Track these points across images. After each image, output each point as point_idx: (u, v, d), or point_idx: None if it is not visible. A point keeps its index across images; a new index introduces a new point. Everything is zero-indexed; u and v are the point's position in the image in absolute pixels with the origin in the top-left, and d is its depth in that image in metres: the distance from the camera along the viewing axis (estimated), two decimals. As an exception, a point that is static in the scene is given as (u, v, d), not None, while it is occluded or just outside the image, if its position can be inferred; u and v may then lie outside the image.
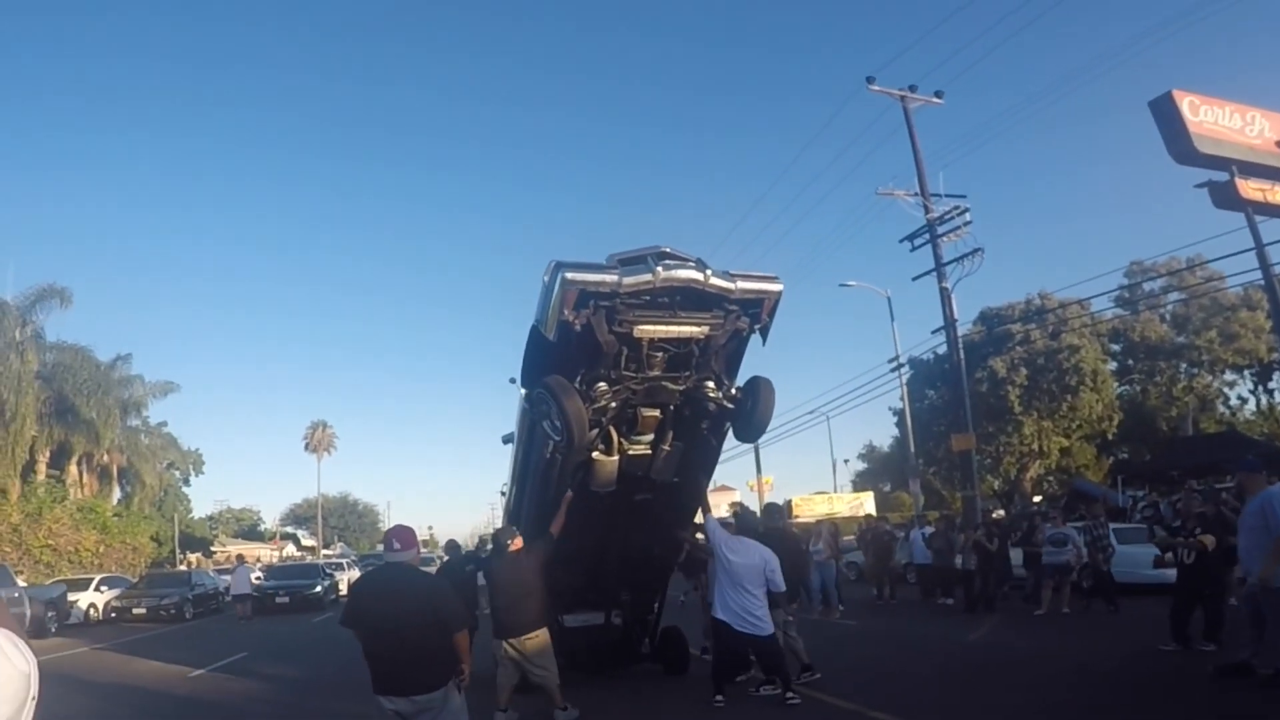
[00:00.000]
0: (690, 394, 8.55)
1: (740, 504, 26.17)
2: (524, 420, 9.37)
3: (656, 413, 8.64)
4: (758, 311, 8.37)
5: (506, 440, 11.06)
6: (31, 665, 1.14)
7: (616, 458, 8.82)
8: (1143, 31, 62.15)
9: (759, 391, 8.68)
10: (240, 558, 28.87)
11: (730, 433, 9.37)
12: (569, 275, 7.50)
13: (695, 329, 8.11)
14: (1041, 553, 15.85)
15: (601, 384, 8.08)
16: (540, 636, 8.33)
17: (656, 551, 10.40)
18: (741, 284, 8.09)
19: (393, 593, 5.11)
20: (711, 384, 8.59)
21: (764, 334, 8.60)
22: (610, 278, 7.59)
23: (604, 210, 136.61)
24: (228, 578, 33.87)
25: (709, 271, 7.87)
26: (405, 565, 5.23)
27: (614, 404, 8.26)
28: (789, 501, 48.15)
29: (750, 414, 8.73)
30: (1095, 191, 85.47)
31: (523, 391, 8.96)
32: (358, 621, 5.21)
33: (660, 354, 8.21)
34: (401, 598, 5.05)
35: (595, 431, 8.35)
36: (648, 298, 7.81)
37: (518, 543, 8.62)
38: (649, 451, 9.00)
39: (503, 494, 12.34)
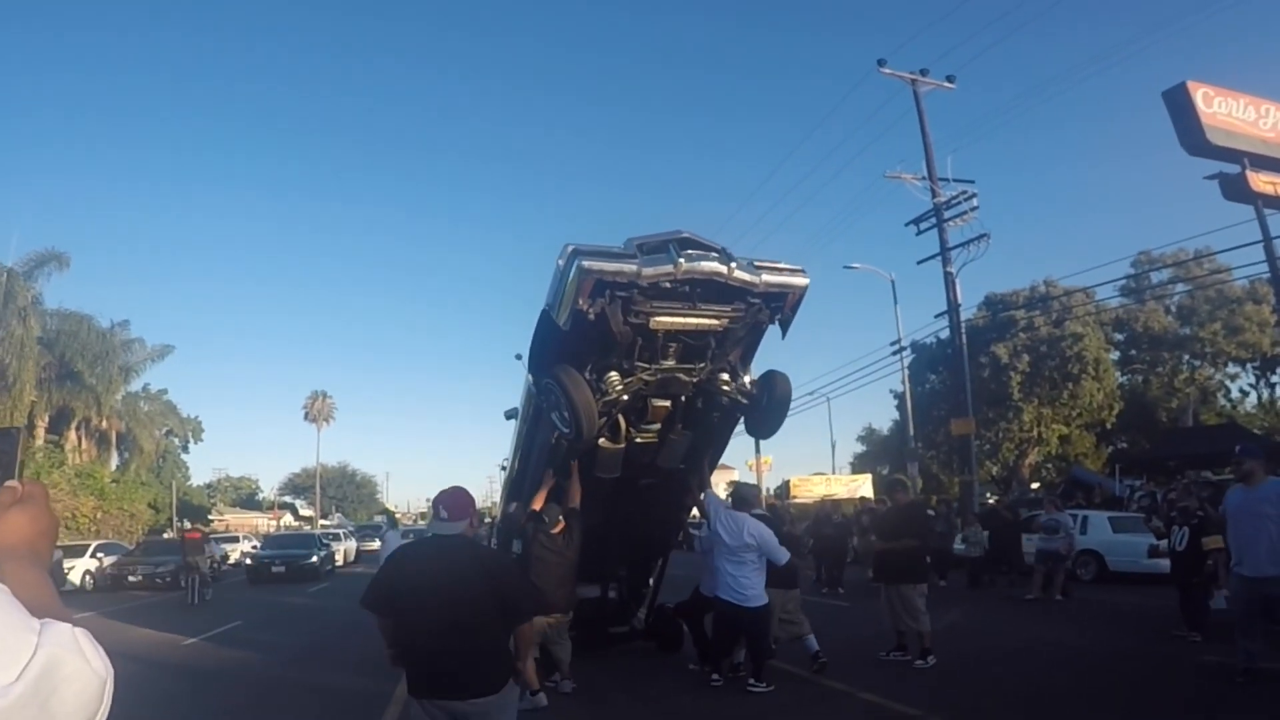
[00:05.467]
0: (703, 385, 8.32)
1: (737, 483, 26.10)
2: (529, 401, 9.19)
3: (667, 403, 8.43)
4: (780, 305, 8.09)
5: (509, 415, 10.91)
6: (109, 671, 0.99)
7: (623, 445, 8.64)
8: (1158, 22, 61.67)
9: (775, 386, 8.43)
10: (391, 518, 24.00)
11: (741, 423, 9.16)
12: (586, 264, 7.14)
13: (714, 321, 7.85)
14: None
15: (613, 374, 7.83)
16: (565, 616, 8.70)
17: (658, 532, 10.38)
18: (766, 277, 7.78)
19: (446, 571, 4.15)
20: (726, 375, 8.37)
21: (784, 327, 8.31)
22: (629, 267, 7.25)
23: (610, 188, 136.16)
24: (225, 546, 34.06)
25: (733, 264, 7.55)
26: (459, 538, 4.32)
27: (625, 396, 8.00)
28: (787, 482, 48.20)
29: (766, 410, 8.50)
30: (1104, 181, 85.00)
31: (530, 377, 8.77)
32: (389, 605, 4.27)
33: (675, 344, 7.95)
34: (459, 578, 4.12)
35: (603, 420, 8.08)
36: (667, 287, 7.49)
37: (561, 525, 8.56)
38: (656, 440, 8.84)
39: (503, 468, 12.22)
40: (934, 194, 24.89)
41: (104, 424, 44.45)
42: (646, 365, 7.95)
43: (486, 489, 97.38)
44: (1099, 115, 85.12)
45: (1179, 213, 68.07)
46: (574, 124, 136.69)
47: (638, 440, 8.72)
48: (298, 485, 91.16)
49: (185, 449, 62.32)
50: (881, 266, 33.55)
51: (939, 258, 24.89)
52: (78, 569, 25.03)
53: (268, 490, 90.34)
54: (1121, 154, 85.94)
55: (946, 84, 25.98)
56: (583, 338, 7.66)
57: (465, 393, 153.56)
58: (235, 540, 39.99)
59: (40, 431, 39.55)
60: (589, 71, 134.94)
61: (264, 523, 68.73)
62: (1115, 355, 44.60)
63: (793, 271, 8.11)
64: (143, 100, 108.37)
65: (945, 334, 27.25)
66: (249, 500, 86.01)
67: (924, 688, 8.49)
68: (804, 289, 8.12)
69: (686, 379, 8.18)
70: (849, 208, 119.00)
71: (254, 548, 33.91)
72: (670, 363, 8.03)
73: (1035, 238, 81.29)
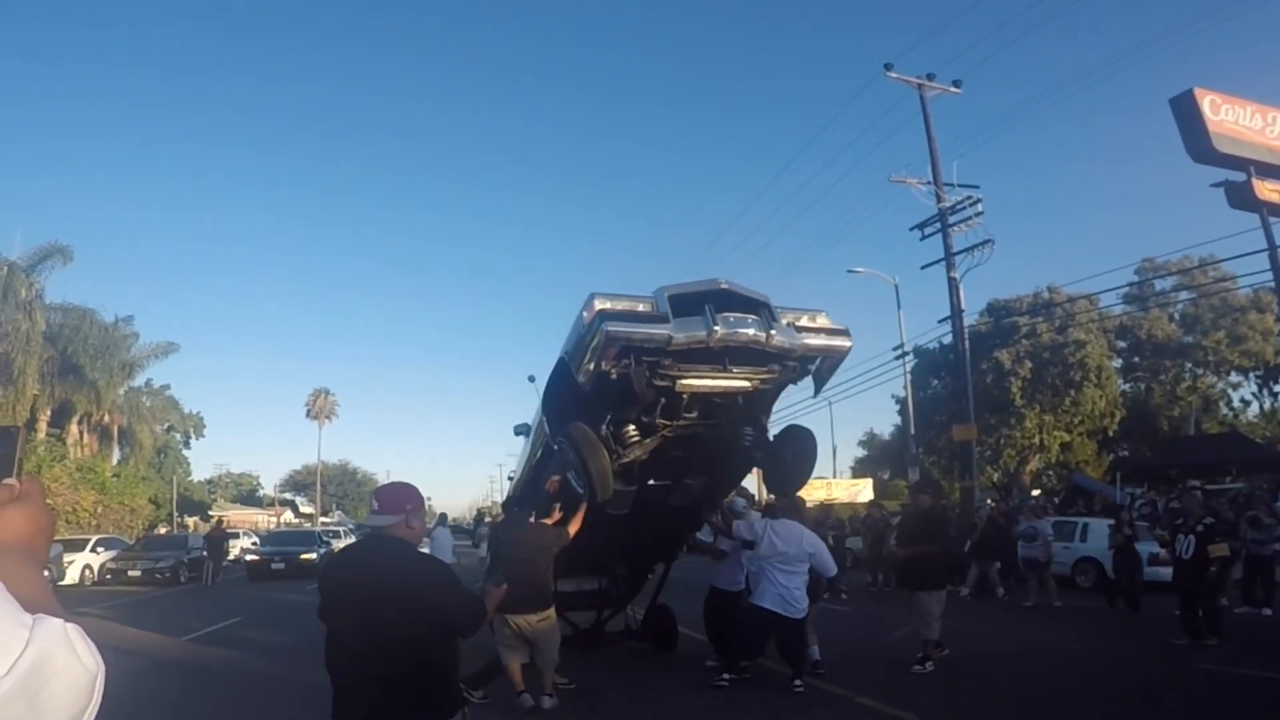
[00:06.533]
0: (723, 437, 8.09)
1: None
2: (540, 437, 8.91)
3: (683, 453, 8.18)
4: (818, 366, 7.77)
5: (519, 431, 10.68)
6: (100, 667, 0.98)
7: (635, 487, 8.33)
8: (1164, 29, 61.63)
9: (800, 443, 8.08)
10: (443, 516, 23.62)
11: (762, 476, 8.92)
12: (612, 329, 6.69)
13: (745, 384, 7.51)
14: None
15: (631, 427, 7.58)
16: (551, 617, 8.01)
17: (663, 544, 10.38)
18: (807, 340, 7.40)
19: (364, 583, 3.46)
20: (750, 430, 8.13)
21: (819, 386, 7.97)
22: (660, 333, 6.81)
23: (615, 186, 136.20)
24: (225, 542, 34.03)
25: (772, 331, 7.07)
26: (387, 540, 3.54)
27: (642, 452, 7.73)
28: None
29: (789, 467, 8.12)
30: (1109, 187, 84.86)
31: (543, 418, 8.52)
32: (327, 615, 3.63)
33: (700, 400, 7.62)
34: (375, 590, 3.39)
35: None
36: (699, 350, 7.04)
37: (557, 515, 8.28)
38: (670, 482, 8.64)
39: (510, 479, 12.02)
40: (939, 199, 24.86)
41: (106, 419, 44.51)
42: (668, 421, 7.65)
43: (487, 489, 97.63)
44: (1104, 121, 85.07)
45: (1184, 220, 68.01)
46: (579, 122, 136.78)
47: (651, 482, 8.47)
48: (299, 482, 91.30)
49: (187, 444, 62.47)
50: (885, 271, 33.49)
51: (943, 263, 24.85)
52: (77, 563, 25.00)
53: (269, 487, 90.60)
54: (1127, 160, 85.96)
55: (953, 89, 25.95)
56: (602, 394, 7.33)
57: (468, 392, 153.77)
58: (235, 536, 40.00)
59: (42, 425, 39.59)
60: (594, 69, 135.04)
61: (264, 519, 68.79)
62: (1118, 363, 44.61)
63: (834, 333, 7.71)
64: (150, 95, 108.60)
65: (948, 339, 27.18)
66: (250, 497, 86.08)
67: (922, 692, 8.47)
68: (845, 352, 7.79)
69: (708, 433, 7.93)
70: (853, 211, 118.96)
71: (254, 544, 33.91)
72: (693, 416, 7.72)
73: (1039, 244, 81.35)
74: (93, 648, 1.00)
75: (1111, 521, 19.51)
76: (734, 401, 7.75)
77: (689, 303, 7.01)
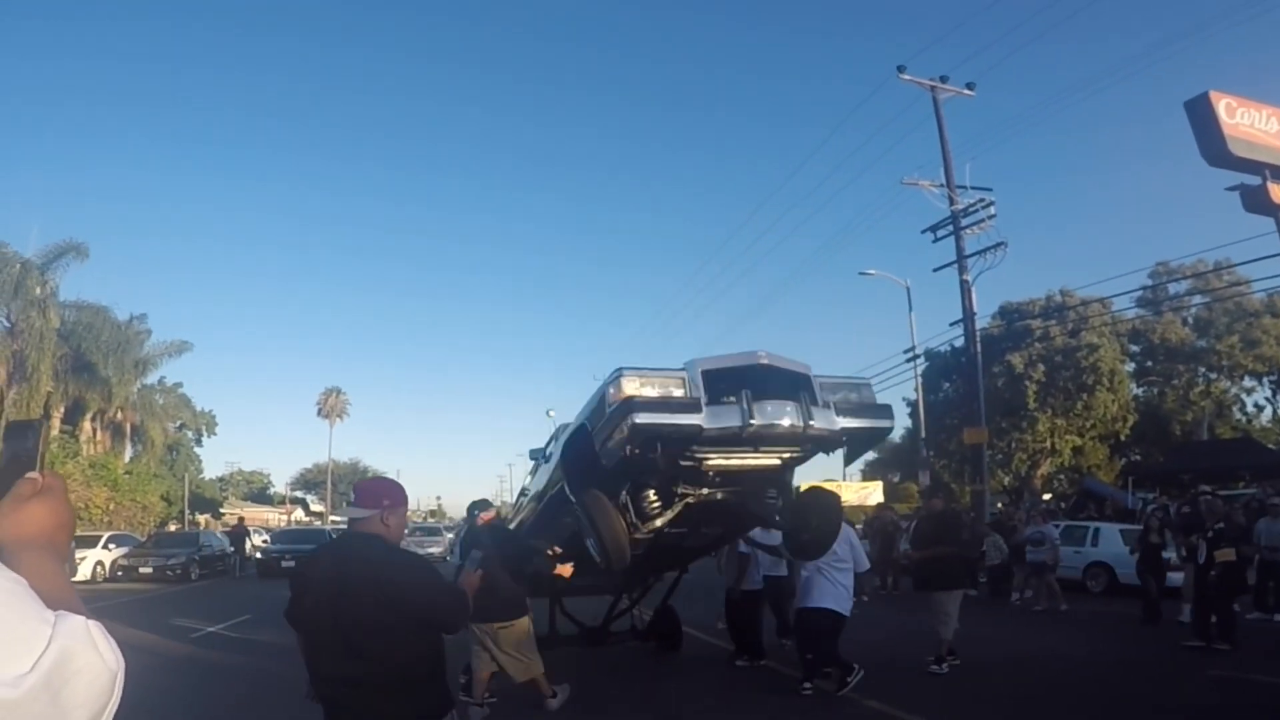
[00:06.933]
0: (746, 500, 7.93)
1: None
2: (556, 481, 8.60)
3: (702, 514, 8.01)
4: (853, 442, 7.47)
5: (534, 456, 10.50)
6: (120, 664, 0.99)
7: (651, 536, 8.08)
8: (1179, 32, 61.25)
9: (824, 508, 7.79)
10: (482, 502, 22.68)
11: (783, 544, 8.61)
12: (641, 422, 6.32)
13: (775, 461, 7.28)
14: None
15: (652, 493, 7.40)
16: (518, 625, 7.48)
17: (677, 565, 10.40)
18: (845, 422, 6.99)
19: (337, 580, 3.25)
20: (774, 492, 8.00)
21: (851, 459, 7.88)
22: (690, 422, 6.44)
23: (626, 186, 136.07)
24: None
25: (811, 421, 6.65)
26: (362, 537, 3.36)
27: (662, 524, 7.56)
28: (796, 488, 47.99)
29: (809, 533, 7.76)
30: (1123, 191, 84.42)
31: (561, 467, 8.15)
32: (296, 619, 3.43)
33: (725, 471, 7.35)
34: (347, 589, 3.19)
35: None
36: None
37: (487, 518, 7.96)
38: (686, 530, 8.43)
39: (523, 494, 11.81)
40: (952, 201, 24.79)
41: (119, 416, 44.78)
42: (690, 490, 7.47)
43: (497, 488, 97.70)
44: (1118, 124, 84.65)
45: (1198, 224, 67.60)
46: (589, 122, 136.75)
47: (666, 531, 8.20)
48: (309, 480, 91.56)
49: (199, 442, 62.77)
50: (896, 273, 33.34)
51: (955, 265, 24.79)
52: (89, 560, 25.07)
53: (279, 485, 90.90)
54: (1140, 164, 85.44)
55: (966, 91, 25.87)
56: (624, 466, 7.01)
57: (479, 391, 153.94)
58: (246, 534, 40.16)
59: (55, 422, 39.82)
60: (605, 70, 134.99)
61: (275, 517, 69.05)
62: (1131, 367, 44.36)
63: (877, 413, 7.39)
64: (168, 95, 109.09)
65: (959, 342, 27.15)
66: (260, 494, 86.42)
67: (929, 696, 8.45)
68: (886, 432, 7.59)
69: (728, 499, 7.78)
70: (865, 213, 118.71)
71: (264, 542, 34.04)
72: (716, 483, 7.52)
73: (1052, 247, 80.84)
74: (114, 645, 1.01)
75: (1125, 527, 19.54)
76: (760, 473, 7.55)
77: (724, 381, 6.64)
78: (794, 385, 6.85)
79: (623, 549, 6.94)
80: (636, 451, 6.57)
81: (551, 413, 8.73)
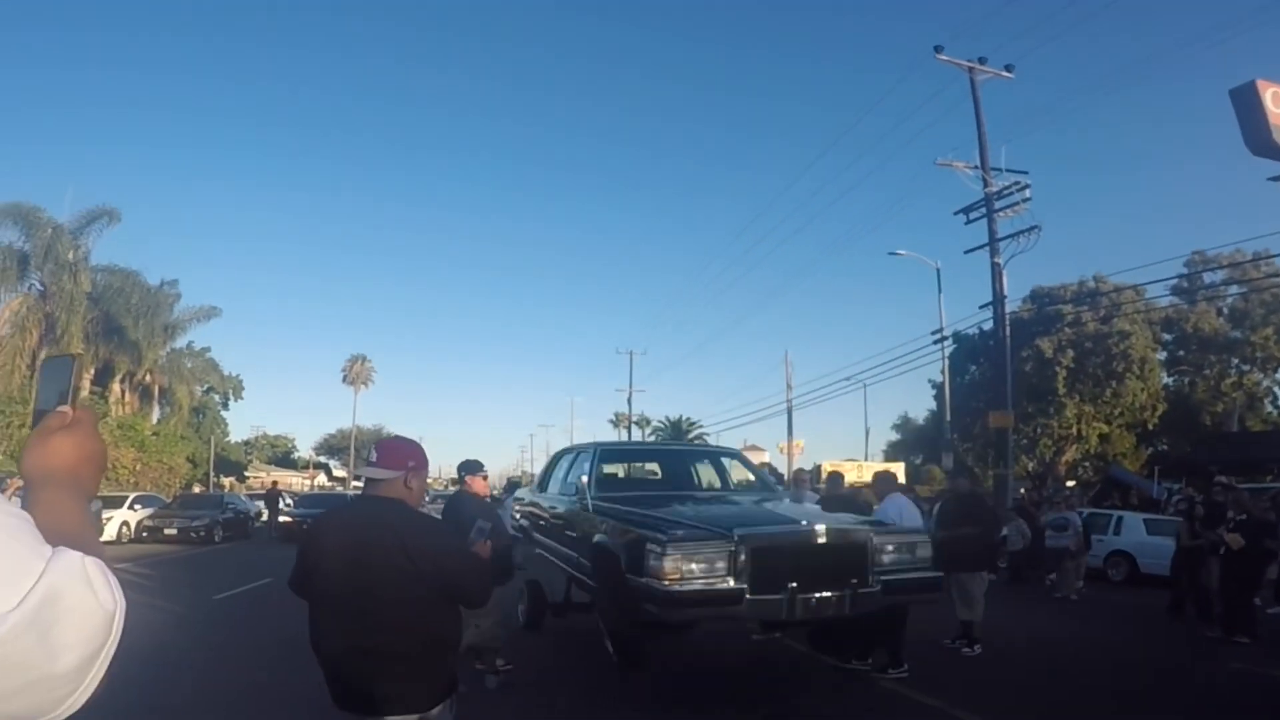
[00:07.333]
0: None
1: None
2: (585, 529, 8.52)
3: None
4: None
5: (545, 473, 10.66)
6: (120, 604, 0.93)
7: None
8: (1224, 21, 59.71)
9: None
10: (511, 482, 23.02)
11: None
12: (675, 616, 6.39)
13: None
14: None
15: None
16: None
17: None
18: (891, 599, 6.84)
19: (354, 546, 3.06)
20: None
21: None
22: (732, 611, 6.37)
23: (660, 162, 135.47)
24: (259, 503, 34.61)
25: (856, 606, 6.58)
26: (382, 502, 3.15)
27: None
28: (817, 466, 47.98)
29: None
30: (1161, 178, 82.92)
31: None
32: (304, 586, 3.24)
33: None
34: (366, 556, 3.01)
35: None
36: None
37: (479, 484, 7.40)
38: None
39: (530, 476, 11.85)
40: (985, 183, 24.44)
41: (147, 379, 45.34)
42: None
43: (517, 459, 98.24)
44: (1160, 111, 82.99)
45: (1237, 213, 66.27)
46: (621, 98, 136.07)
47: None
48: (333, 446, 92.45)
49: (225, 406, 63.38)
50: (926, 254, 32.93)
51: (987, 248, 24.49)
52: (115, 520, 25.40)
53: (304, 450, 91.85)
54: (1181, 151, 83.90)
55: (1005, 73, 25.39)
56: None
57: (503, 361, 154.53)
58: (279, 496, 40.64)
59: (86, 383, 40.40)
60: (644, 53, 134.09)
61: (298, 481, 69.81)
62: (1162, 355, 43.83)
63: (924, 585, 7.07)
64: (203, 65, 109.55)
65: (989, 325, 26.80)
66: (285, 458, 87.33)
67: (946, 678, 8.34)
68: (930, 600, 7.45)
69: None
70: (897, 193, 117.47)
71: (287, 505, 34.44)
72: None
73: (1086, 232, 79.78)
74: (114, 583, 0.94)
75: (1149, 516, 19.31)
76: None
77: (774, 558, 6.38)
78: (848, 561, 6.61)
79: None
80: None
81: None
